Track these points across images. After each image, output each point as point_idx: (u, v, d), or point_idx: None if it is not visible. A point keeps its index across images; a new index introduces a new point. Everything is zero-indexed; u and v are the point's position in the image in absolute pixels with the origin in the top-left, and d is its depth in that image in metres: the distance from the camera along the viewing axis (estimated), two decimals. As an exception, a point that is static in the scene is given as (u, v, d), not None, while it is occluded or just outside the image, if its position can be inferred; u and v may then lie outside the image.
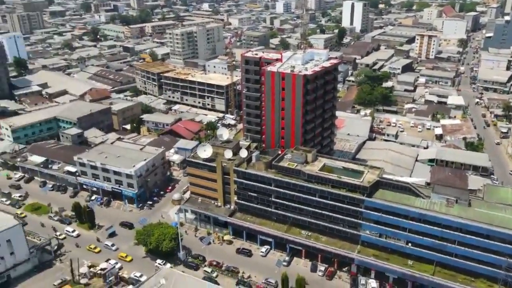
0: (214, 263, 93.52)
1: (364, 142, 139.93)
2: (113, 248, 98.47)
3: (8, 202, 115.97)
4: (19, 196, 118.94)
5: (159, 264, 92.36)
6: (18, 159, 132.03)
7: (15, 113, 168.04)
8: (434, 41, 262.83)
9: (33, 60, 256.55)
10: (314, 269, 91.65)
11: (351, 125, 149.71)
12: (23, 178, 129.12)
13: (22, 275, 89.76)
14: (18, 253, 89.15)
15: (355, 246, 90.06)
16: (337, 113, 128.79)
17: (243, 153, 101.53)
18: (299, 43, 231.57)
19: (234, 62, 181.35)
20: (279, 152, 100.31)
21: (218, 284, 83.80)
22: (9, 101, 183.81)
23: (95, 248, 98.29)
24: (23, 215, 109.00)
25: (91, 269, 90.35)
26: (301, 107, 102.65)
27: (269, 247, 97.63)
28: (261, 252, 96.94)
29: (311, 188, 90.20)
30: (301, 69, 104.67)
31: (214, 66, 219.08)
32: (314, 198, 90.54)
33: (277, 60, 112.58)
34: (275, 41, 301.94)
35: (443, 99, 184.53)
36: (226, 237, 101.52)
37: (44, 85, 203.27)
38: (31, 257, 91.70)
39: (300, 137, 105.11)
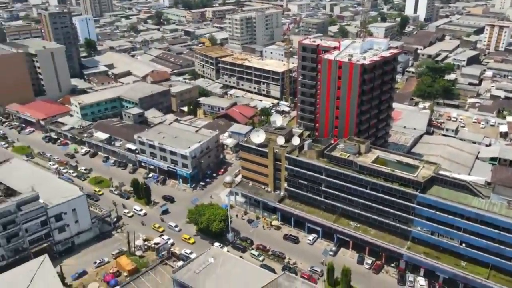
0: (261, 247, 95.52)
1: (421, 136, 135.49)
2: (176, 229, 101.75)
3: (75, 174, 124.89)
4: (85, 169, 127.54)
5: (216, 247, 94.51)
6: (85, 135, 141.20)
7: (84, 91, 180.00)
8: (505, 32, 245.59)
9: (102, 42, 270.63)
10: (361, 261, 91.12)
11: (408, 118, 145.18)
12: (88, 152, 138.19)
13: (84, 243, 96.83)
14: (82, 222, 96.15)
15: (405, 241, 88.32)
16: (394, 104, 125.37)
17: (296, 141, 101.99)
18: (359, 31, 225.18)
19: (291, 49, 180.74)
20: (332, 142, 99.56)
21: (275, 273, 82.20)
22: (79, 80, 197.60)
23: (159, 227, 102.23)
24: (100, 192, 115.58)
25: (146, 243, 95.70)
26: (357, 97, 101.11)
27: (316, 235, 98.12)
28: (308, 240, 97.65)
29: (362, 180, 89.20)
30: (359, 58, 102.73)
31: (271, 52, 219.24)
32: (365, 190, 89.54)
33: (335, 48, 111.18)
34: (333, 28, 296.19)
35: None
36: (274, 223, 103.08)
37: (110, 66, 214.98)
38: (93, 227, 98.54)
39: (354, 127, 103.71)
